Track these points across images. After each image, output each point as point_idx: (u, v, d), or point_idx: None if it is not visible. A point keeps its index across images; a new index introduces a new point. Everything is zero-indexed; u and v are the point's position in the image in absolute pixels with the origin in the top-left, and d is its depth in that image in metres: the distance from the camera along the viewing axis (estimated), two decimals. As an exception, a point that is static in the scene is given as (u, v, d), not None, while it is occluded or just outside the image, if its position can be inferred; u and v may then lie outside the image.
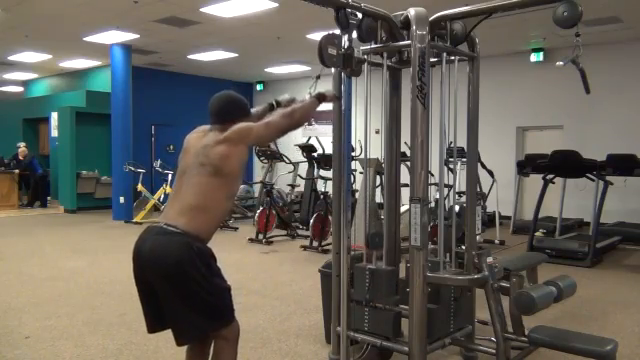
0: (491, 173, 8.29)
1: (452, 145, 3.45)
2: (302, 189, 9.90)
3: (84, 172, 12.00)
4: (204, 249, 2.38)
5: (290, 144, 10.76)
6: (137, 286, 2.45)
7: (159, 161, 10.63)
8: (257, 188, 10.99)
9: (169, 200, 2.53)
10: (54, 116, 12.71)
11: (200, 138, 2.52)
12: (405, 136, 3.18)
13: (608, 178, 6.90)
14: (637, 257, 7.42)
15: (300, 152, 9.55)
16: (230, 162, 2.40)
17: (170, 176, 10.15)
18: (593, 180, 7.32)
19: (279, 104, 2.91)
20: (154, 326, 2.48)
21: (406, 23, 2.96)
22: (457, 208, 4.36)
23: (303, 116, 2.63)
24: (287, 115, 2.56)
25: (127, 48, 10.77)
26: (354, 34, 2.93)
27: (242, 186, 10.66)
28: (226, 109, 2.57)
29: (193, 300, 2.30)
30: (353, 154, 4.62)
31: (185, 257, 2.29)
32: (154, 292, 2.37)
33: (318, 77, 3.33)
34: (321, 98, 2.76)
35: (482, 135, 3.56)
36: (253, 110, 2.81)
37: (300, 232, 8.78)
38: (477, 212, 3.47)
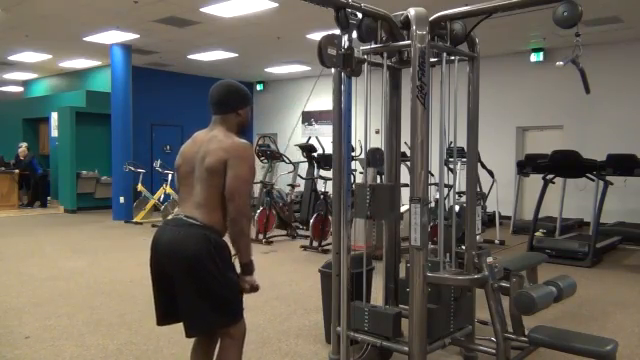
0: (491, 173, 8.28)
1: (452, 145, 3.45)
2: (302, 189, 9.89)
3: (84, 172, 12.00)
4: (221, 242, 2.39)
5: (290, 144, 10.75)
6: (152, 276, 2.47)
7: (159, 161, 10.61)
8: (257, 188, 10.98)
9: (182, 195, 2.51)
10: (54, 116, 12.71)
11: (205, 135, 2.53)
12: (405, 136, 3.18)
13: (608, 178, 6.90)
14: (637, 257, 7.42)
15: (300, 152, 9.54)
16: (220, 165, 2.37)
17: (170, 176, 10.14)
18: (593, 180, 7.32)
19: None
20: (165, 318, 2.49)
21: (406, 23, 2.97)
22: (457, 208, 4.37)
23: (241, 236, 2.38)
24: (248, 218, 2.40)
25: (127, 48, 10.77)
26: (354, 34, 2.93)
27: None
28: (227, 99, 2.56)
29: (207, 293, 2.32)
30: (353, 154, 4.62)
31: (203, 250, 2.30)
32: (170, 283, 2.37)
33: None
34: (247, 267, 2.44)
35: (482, 135, 3.56)
36: None
37: (300, 232, 8.78)
38: (477, 212, 3.47)
